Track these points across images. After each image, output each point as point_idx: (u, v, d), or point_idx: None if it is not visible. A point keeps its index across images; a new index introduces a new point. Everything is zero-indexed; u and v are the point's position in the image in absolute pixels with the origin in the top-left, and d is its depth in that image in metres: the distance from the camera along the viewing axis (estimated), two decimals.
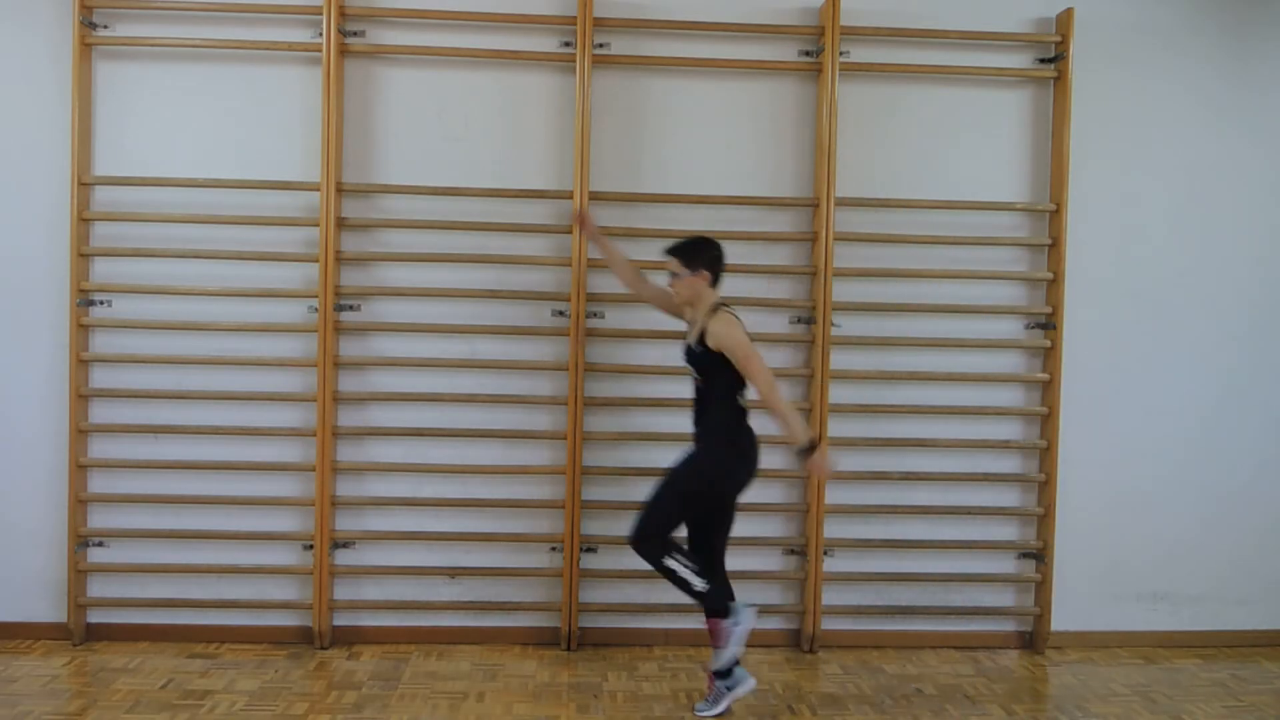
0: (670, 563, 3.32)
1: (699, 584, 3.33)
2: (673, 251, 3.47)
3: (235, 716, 3.38)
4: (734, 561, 4.15)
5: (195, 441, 4.04)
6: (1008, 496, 4.28)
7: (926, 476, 4.20)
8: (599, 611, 4.17)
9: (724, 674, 3.40)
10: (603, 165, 4.11)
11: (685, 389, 4.12)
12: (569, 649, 4.08)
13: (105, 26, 3.99)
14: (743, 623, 3.36)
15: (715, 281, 3.47)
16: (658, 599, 4.17)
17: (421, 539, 4.12)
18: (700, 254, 3.44)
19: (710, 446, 3.42)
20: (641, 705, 3.56)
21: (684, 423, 4.12)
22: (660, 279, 4.11)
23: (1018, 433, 4.27)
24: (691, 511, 3.47)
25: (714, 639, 3.40)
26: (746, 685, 3.42)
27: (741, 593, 4.17)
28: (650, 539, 3.34)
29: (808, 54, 4.15)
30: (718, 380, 3.38)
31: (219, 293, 4.01)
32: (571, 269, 4.03)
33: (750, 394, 3.38)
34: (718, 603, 3.38)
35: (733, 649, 3.37)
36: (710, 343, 3.33)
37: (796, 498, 4.22)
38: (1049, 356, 4.20)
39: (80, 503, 4.00)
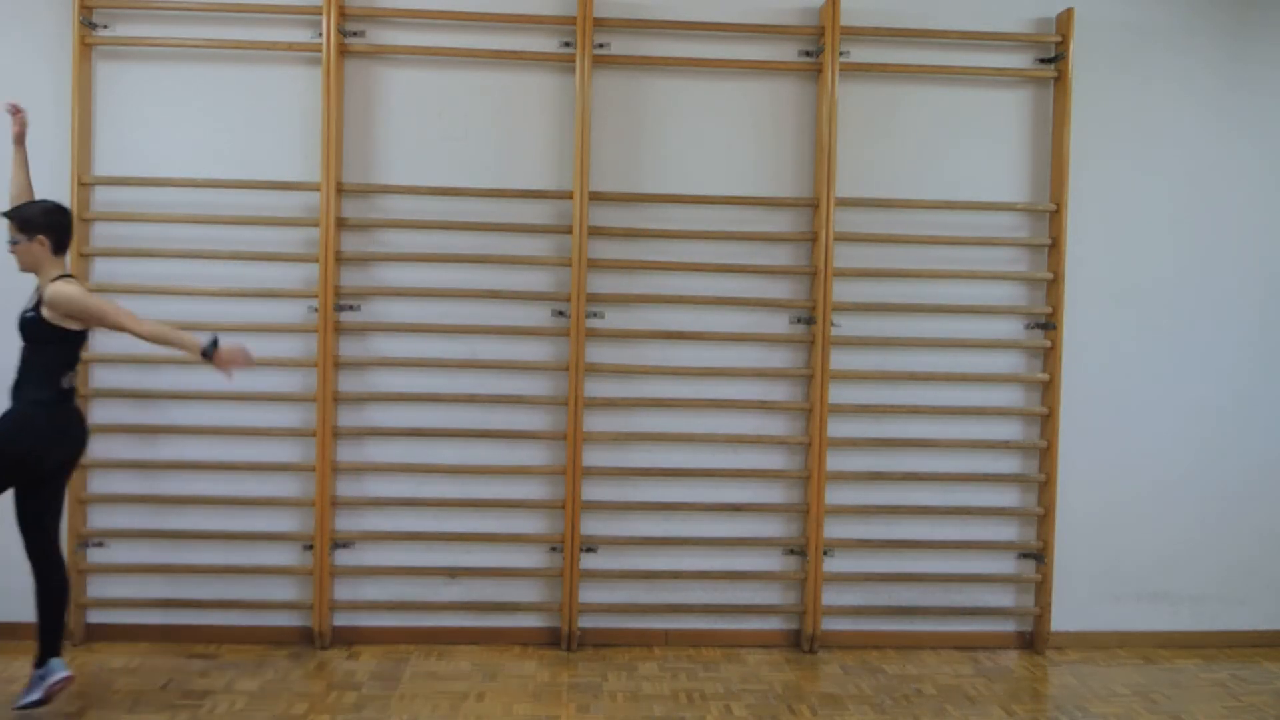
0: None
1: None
2: (8, 215, 3.26)
3: (235, 716, 3.38)
4: (734, 561, 4.19)
5: (195, 441, 4.04)
6: (1008, 496, 4.28)
7: (926, 476, 4.20)
8: (599, 611, 4.17)
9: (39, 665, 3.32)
10: (603, 165, 4.11)
11: (685, 389, 4.16)
12: (569, 649, 4.08)
13: (105, 26, 3.99)
14: (50, 677, 3.29)
15: (58, 248, 3.25)
16: (658, 599, 4.18)
17: (421, 539, 4.12)
18: (36, 218, 3.22)
19: (22, 411, 3.21)
20: (641, 705, 3.56)
21: (685, 423, 4.17)
22: (650, 281, 4.14)
23: (1018, 433, 4.27)
24: (10, 478, 3.26)
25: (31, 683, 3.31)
26: (60, 674, 3.31)
27: (742, 592, 4.22)
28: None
29: (808, 54, 4.15)
30: (42, 353, 3.22)
31: (219, 293, 4.01)
32: (571, 269, 4.03)
33: (73, 377, 3.30)
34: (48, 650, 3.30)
35: (36, 695, 3.29)
36: (46, 312, 3.16)
37: (797, 498, 4.22)
38: (1049, 356, 4.20)
39: (80, 503, 4.00)
